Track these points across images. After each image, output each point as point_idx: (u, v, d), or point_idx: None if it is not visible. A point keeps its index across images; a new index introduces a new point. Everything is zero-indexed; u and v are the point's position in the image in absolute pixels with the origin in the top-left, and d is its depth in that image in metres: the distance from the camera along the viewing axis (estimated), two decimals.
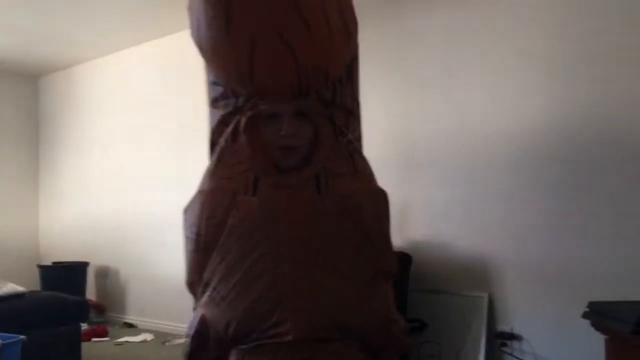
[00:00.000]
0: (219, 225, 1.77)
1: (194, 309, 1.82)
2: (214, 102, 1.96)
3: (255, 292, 1.69)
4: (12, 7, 4.11)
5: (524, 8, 3.00)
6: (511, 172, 3.01)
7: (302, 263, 1.70)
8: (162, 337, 4.29)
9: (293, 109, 1.80)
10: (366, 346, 1.73)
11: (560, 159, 2.84)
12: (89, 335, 4.22)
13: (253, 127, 1.84)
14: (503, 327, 2.98)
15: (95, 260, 5.23)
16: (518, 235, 2.97)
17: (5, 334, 2.51)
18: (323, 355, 1.67)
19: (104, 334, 4.41)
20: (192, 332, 1.73)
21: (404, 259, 3.06)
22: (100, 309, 5.06)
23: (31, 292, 3.36)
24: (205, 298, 1.75)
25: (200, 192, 1.89)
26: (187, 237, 1.88)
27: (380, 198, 1.90)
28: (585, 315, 1.98)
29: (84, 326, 3.92)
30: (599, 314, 1.92)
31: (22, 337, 2.52)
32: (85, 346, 3.51)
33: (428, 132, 3.35)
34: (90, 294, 5.13)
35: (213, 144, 1.98)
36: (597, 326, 1.95)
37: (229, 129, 1.89)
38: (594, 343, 2.05)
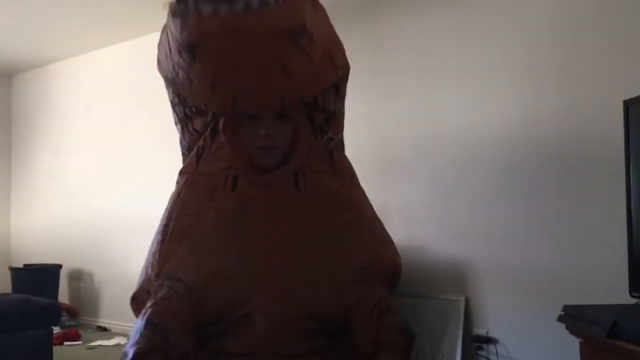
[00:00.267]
0: (192, 215, 1.75)
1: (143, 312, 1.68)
2: (186, 119, 1.95)
3: (228, 282, 1.65)
4: None
5: (500, 13, 3.03)
6: (487, 177, 3.03)
7: (278, 256, 1.68)
8: None
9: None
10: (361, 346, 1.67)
11: (534, 165, 2.87)
12: (61, 339, 4.15)
13: (232, 126, 1.84)
14: (479, 330, 3.00)
15: (68, 263, 5.14)
16: (495, 239, 2.99)
17: None
18: None
19: (76, 337, 4.33)
20: (139, 338, 1.56)
21: None
22: (72, 312, 4.98)
23: (1, 295, 3.29)
24: (165, 291, 1.67)
25: (178, 189, 1.88)
26: (156, 233, 1.85)
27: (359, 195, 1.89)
28: (560, 319, 2.00)
29: (56, 330, 3.85)
30: (574, 318, 1.94)
31: None
32: (57, 350, 3.44)
33: (404, 137, 3.36)
34: (63, 297, 5.04)
35: (190, 149, 1.97)
36: (572, 329, 1.96)
37: (208, 130, 1.88)
38: (569, 346, 2.07)
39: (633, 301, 1.99)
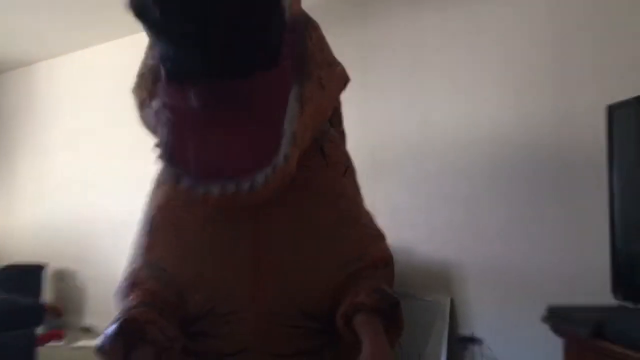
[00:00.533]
0: (176, 206, 1.72)
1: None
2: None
3: (215, 277, 1.63)
4: None
5: (489, 15, 3.06)
6: (472, 178, 3.05)
7: (267, 252, 1.67)
8: None
9: None
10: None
11: (519, 168, 2.90)
12: (44, 340, 4.11)
13: None
14: (464, 331, 3.02)
15: (53, 263, 5.09)
16: (480, 240, 3.01)
17: None
18: None
19: (60, 338, 4.30)
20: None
21: None
22: (56, 312, 4.92)
23: None
24: (150, 282, 1.62)
25: (160, 185, 1.85)
26: (140, 226, 1.82)
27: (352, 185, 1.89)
28: (544, 319, 2.02)
29: (40, 330, 3.80)
30: (558, 318, 1.95)
31: None
32: (40, 351, 3.41)
33: (391, 138, 3.38)
34: (48, 297, 4.99)
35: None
36: (555, 330, 1.98)
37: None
38: (553, 346, 2.09)
39: (617, 302, 2.02)
